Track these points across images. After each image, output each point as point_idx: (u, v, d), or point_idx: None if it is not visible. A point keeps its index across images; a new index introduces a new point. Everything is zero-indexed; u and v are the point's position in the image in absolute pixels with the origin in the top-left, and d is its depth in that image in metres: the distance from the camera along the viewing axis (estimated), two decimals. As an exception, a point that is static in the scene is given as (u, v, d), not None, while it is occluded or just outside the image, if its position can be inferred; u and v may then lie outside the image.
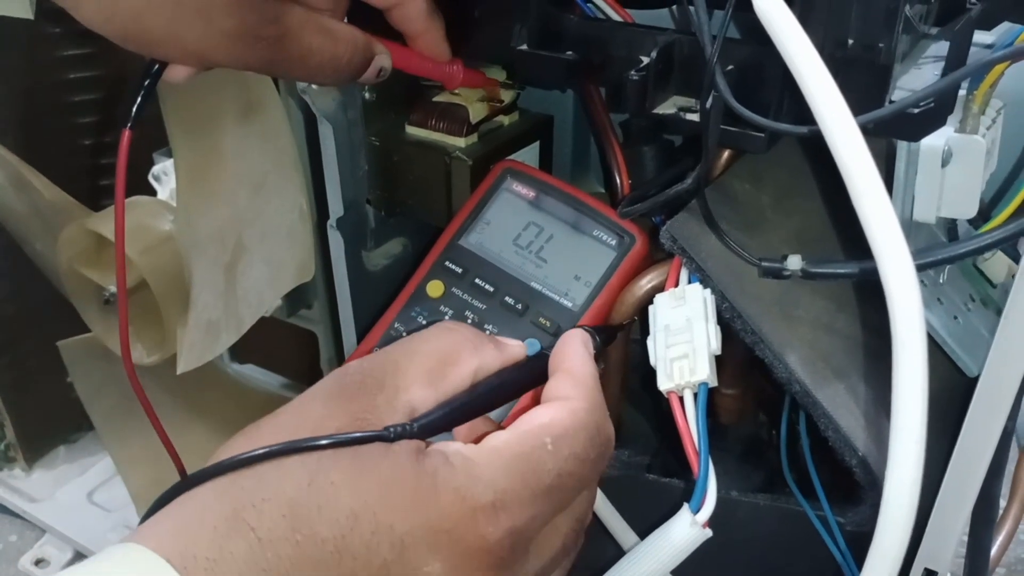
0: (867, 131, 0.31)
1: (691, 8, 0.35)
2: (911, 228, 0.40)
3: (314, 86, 0.46)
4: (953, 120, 0.36)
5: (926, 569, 0.41)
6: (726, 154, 0.44)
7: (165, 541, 0.26)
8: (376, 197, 0.52)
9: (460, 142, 0.49)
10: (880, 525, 0.32)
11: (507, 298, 0.43)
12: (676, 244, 0.40)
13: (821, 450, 0.41)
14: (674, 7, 0.48)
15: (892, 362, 0.31)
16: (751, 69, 0.36)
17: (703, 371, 0.37)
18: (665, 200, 0.41)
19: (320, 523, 0.27)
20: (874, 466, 0.38)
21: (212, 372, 0.73)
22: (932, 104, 0.33)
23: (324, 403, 0.30)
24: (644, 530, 0.37)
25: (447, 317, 0.43)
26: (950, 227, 0.43)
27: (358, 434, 0.29)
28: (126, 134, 0.37)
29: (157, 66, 0.36)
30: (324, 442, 0.28)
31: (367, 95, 0.49)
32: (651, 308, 0.41)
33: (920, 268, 0.32)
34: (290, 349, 0.72)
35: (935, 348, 0.42)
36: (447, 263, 0.45)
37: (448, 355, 0.33)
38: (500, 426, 0.34)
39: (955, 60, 0.35)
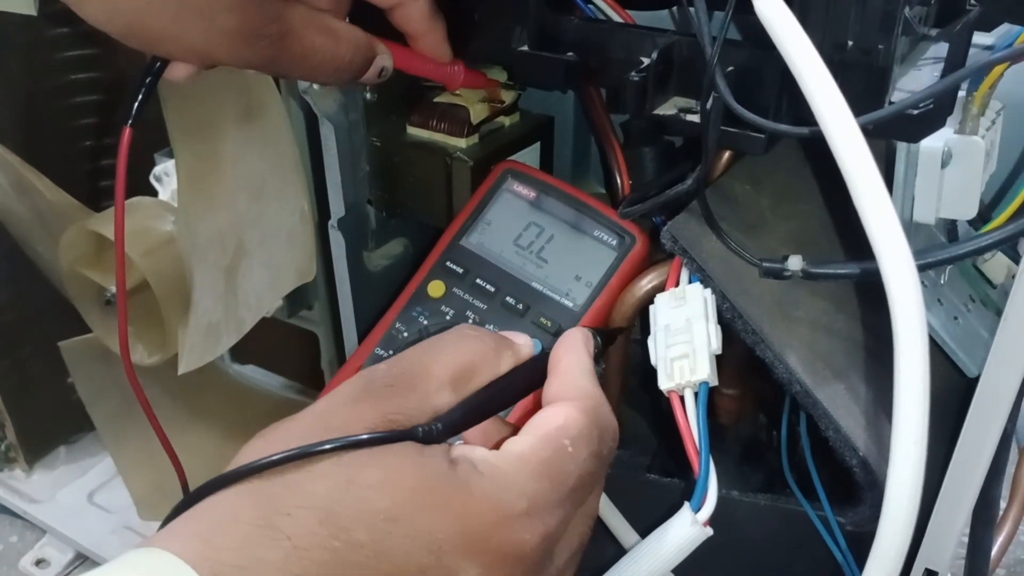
0: (866, 132, 0.31)
1: (691, 9, 0.35)
2: (911, 229, 0.40)
3: (315, 87, 0.46)
4: (953, 121, 0.36)
5: (926, 569, 0.41)
6: (726, 155, 0.44)
7: (190, 546, 0.25)
8: (377, 198, 0.52)
9: (461, 143, 0.49)
10: (881, 525, 0.32)
11: (508, 298, 0.43)
12: (677, 245, 0.40)
13: (821, 450, 0.41)
14: (674, 8, 0.48)
15: (893, 363, 0.31)
16: (751, 71, 0.36)
17: (703, 370, 0.37)
18: (665, 201, 0.41)
19: (358, 528, 0.26)
20: (874, 466, 0.38)
21: (213, 373, 0.73)
22: (931, 105, 0.33)
23: (352, 405, 0.30)
24: (644, 530, 0.37)
25: (448, 317, 0.43)
26: (950, 228, 0.43)
27: (393, 432, 0.28)
28: (127, 131, 0.37)
29: (159, 64, 0.36)
30: (363, 437, 0.28)
31: (368, 96, 0.49)
32: (651, 308, 0.41)
33: (920, 269, 0.32)
34: (291, 350, 0.72)
35: (935, 349, 0.42)
36: (448, 263, 0.45)
37: (472, 362, 0.33)
38: (508, 422, 0.34)
39: (954, 61, 0.35)
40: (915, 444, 0.30)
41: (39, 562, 0.82)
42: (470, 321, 0.43)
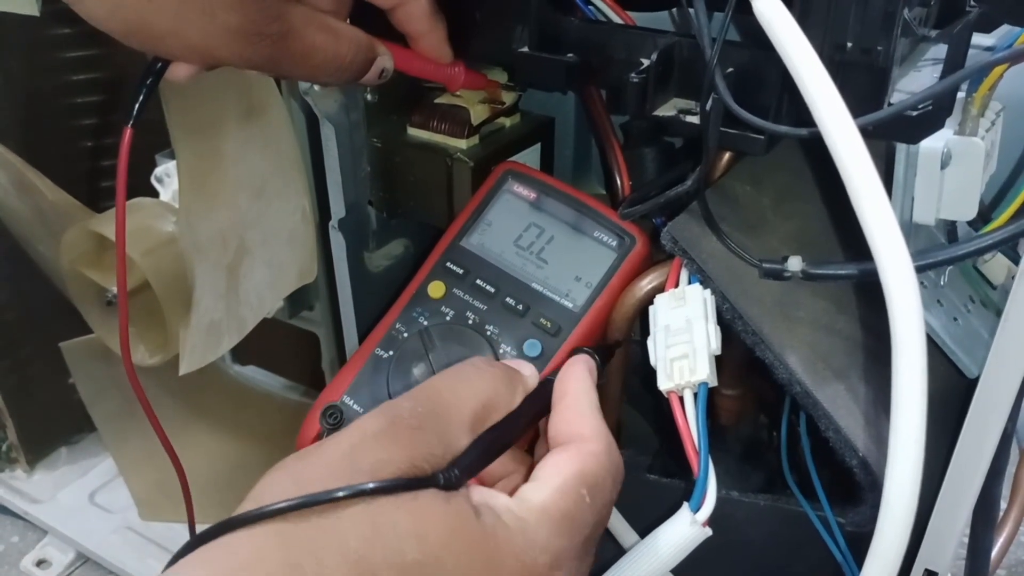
0: (866, 133, 0.31)
1: (691, 11, 0.35)
2: (911, 230, 0.40)
3: (316, 88, 0.47)
4: (952, 122, 0.36)
5: (927, 570, 0.41)
6: (726, 156, 0.44)
7: None
8: (378, 198, 0.52)
9: (461, 144, 0.49)
10: (880, 525, 0.32)
11: (508, 299, 0.43)
12: (677, 245, 0.40)
13: (822, 451, 0.41)
14: (674, 9, 0.48)
15: (892, 363, 0.31)
16: (751, 72, 0.36)
17: (703, 371, 0.37)
18: (666, 201, 0.41)
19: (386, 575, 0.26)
20: (874, 466, 0.38)
21: (214, 373, 0.73)
22: (930, 106, 0.33)
23: (382, 445, 0.29)
24: (644, 530, 0.37)
25: (448, 318, 0.43)
26: (950, 229, 0.43)
27: (419, 478, 0.28)
28: (127, 132, 0.37)
29: (159, 64, 0.36)
30: (392, 483, 0.27)
31: (369, 97, 0.49)
32: (651, 308, 0.41)
33: (920, 269, 0.32)
34: (292, 351, 0.72)
35: (935, 349, 0.42)
36: (448, 264, 0.45)
37: (490, 400, 0.33)
38: (515, 450, 0.34)
39: (953, 63, 0.35)
40: (914, 444, 0.30)
41: (40, 562, 0.82)
42: (470, 322, 0.43)
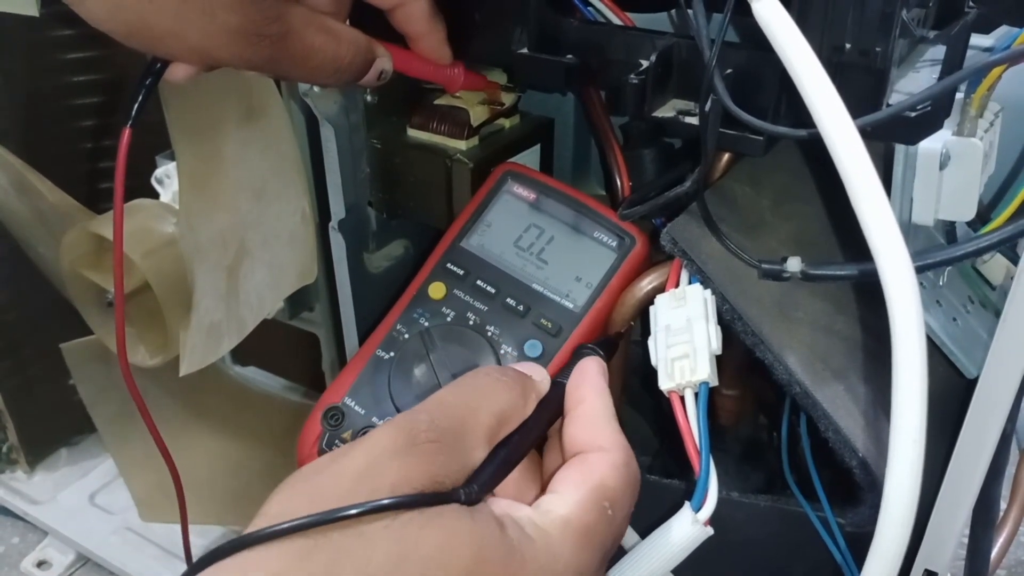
0: (864, 135, 0.31)
1: (690, 12, 0.35)
2: (909, 230, 0.40)
3: (316, 89, 0.47)
4: (951, 123, 0.36)
5: (926, 570, 0.41)
6: (725, 157, 0.44)
7: None
8: (377, 199, 0.52)
9: (461, 145, 0.49)
10: (880, 526, 0.32)
11: (508, 299, 0.43)
12: (676, 246, 0.40)
13: (822, 451, 0.41)
14: (673, 11, 0.48)
15: (891, 363, 0.31)
16: (749, 73, 0.36)
17: (704, 371, 0.37)
18: (665, 202, 0.41)
19: None
20: (874, 467, 0.38)
21: (214, 374, 0.73)
22: (929, 107, 0.33)
23: (401, 461, 0.28)
24: (645, 530, 0.37)
25: (449, 319, 0.43)
26: (949, 229, 0.43)
27: (441, 494, 0.28)
28: (126, 132, 0.37)
29: (158, 65, 0.36)
30: (414, 497, 0.27)
31: (369, 98, 0.49)
32: (652, 309, 0.41)
33: (919, 270, 0.32)
34: (292, 351, 0.72)
35: (934, 350, 0.42)
36: (448, 265, 0.45)
37: (505, 412, 0.32)
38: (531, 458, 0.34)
39: (952, 64, 0.35)
40: (913, 444, 0.30)
41: (41, 563, 0.82)
42: (471, 323, 0.43)
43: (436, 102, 0.50)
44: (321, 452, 0.42)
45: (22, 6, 0.43)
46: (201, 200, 0.51)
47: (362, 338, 0.51)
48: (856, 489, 0.40)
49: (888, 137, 0.36)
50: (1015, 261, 0.44)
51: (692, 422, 0.37)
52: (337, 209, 0.50)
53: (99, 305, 0.61)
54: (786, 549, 0.44)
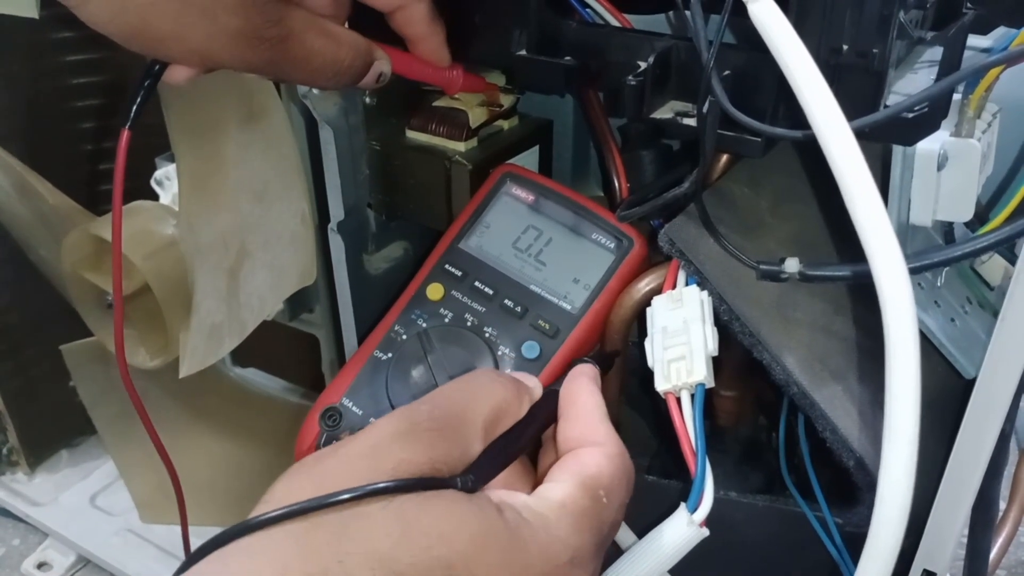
0: (862, 135, 0.31)
1: (688, 14, 0.35)
2: (908, 231, 0.40)
3: (315, 91, 0.47)
4: (949, 124, 0.37)
5: (925, 570, 0.41)
6: (723, 158, 0.44)
7: None
8: (377, 201, 0.52)
9: (460, 147, 0.49)
10: (873, 524, 0.32)
11: (506, 301, 0.43)
12: (674, 247, 0.40)
13: (820, 452, 0.41)
14: (671, 13, 0.48)
15: (885, 364, 0.31)
16: (747, 74, 0.36)
17: (700, 372, 0.37)
18: (663, 204, 0.41)
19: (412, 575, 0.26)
20: (871, 467, 0.38)
21: (214, 376, 0.74)
22: (926, 109, 0.33)
23: (402, 446, 0.29)
24: (642, 531, 0.37)
25: (447, 320, 0.43)
26: (947, 230, 0.43)
27: (440, 479, 0.28)
28: (125, 134, 0.38)
29: (158, 66, 0.37)
30: (417, 480, 0.27)
31: (368, 100, 0.49)
32: (649, 310, 0.41)
33: (916, 271, 0.32)
34: (292, 353, 0.72)
35: (932, 350, 0.42)
36: (447, 266, 0.45)
37: (501, 408, 0.33)
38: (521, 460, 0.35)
39: (949, 65, 0.35)
40: (907, 444, 0.30)
41: (41, 565, 0.82)
42: (468, 324, 0.43)
43: (435, 104, 0.50)
44: (320, 452, 0.42)
45: (22, 8, 0.43)
46: (201, 202, 0.51)
47: (361, 339, 0.51)
48: (854, 489, 0.40)
49: (886, 138, 0.36)
50: (1013, 261, 0.44)
51: (688, 423, 0.37)
52: (336, 211, 0.50)
53: (100, 307, 0.61)
54: (784, 549, 0.44)
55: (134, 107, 0.37)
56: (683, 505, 0.36)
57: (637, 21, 0.44)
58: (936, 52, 0.38)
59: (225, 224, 0.52)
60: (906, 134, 0.35)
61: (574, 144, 0.58)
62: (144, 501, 0.74)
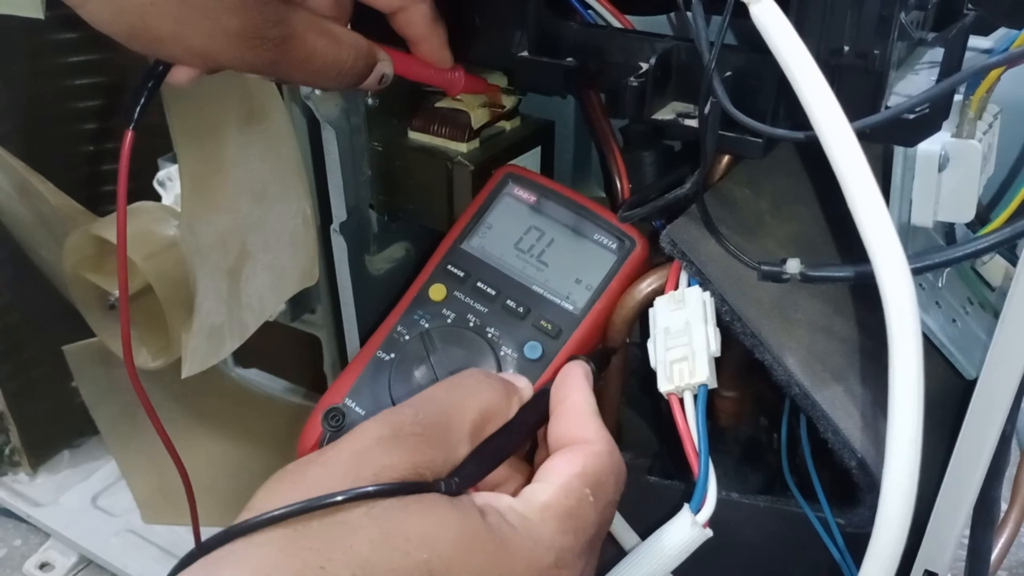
0: (863, 137, 0.31)
1: (689, 15, 0.35)
2: (909, 232, 0.40)
3: (317, 92, 0.47)
4: (950, 125, 0.37)
5: (926, 571, 0.41)
6: (725, 159, 0.44)
7: None
8: (379, 202, 0.52)
9: (462, 147, 0.49)
10: (876, 525, 0.32)
11: (509, 301, 0.44)
12: (676, 248, 0.40)
13: (821, 452, 0.41)
14: (672, 14, 0.48)
15: (888, 364, 0.31)
16: (748, 75, 0.36)
17: (702, 373, 0.37)
18: (665, 204, 0.41)
19: None
20: (872, 467, 0.38)
21: (216, 376, 0.74)
22: (927, 110, 0.33)
23: (385, 451, 0.29)
24: (644, 532, 0.37)
25: (449, 320, 0.44)
26: (948, 231, 0.43)
27: (423, 483, 0.28)
28: (128, 134, 0.38)
29: (161, 67, 0.37)
30: (397, 485, 0.27)
31: (370, 101, 0.50)
32: (651, 311, 0.41)
33: (918, 271, 0.32)
34: (293, 353, 0.72)
35: (934, 351, 0.42)
36: (449, 267, 0.45)
37: (488, 410, 0.33)
38: (515, 460, 0.35)
39: (950, 66, 0.35)
40: (910, 444, 0.30)
41: (43, 566, 0.82)
42: (471, 324, 0.43)
43: (437, 105, 0.50)
44: (322, 453, 0.42)
45: (27, 8, 0.43)
46: (203, 203, 0.51)
47: (363, 340, 0.51)
48: (855, 490, 0.40)
49: (887, 139, 0.36)
50: (1014, 262, 0.44)
51: (691, 424, 0.37)
52: (338, 211, 0.51)
53: (101, 307, 0.61)
54: (786, 550, 0.44)
55: (138, 107, 0.37)
56: (686, 506, 0.36)
57: (638, 22, 0.44)
58: (937, 53, 0.38)
59: (226, 225, 0.52)
60: (907, 135, 0.35)
61: (575, 145, 0.58)
62: (146, 502, 0.74)
